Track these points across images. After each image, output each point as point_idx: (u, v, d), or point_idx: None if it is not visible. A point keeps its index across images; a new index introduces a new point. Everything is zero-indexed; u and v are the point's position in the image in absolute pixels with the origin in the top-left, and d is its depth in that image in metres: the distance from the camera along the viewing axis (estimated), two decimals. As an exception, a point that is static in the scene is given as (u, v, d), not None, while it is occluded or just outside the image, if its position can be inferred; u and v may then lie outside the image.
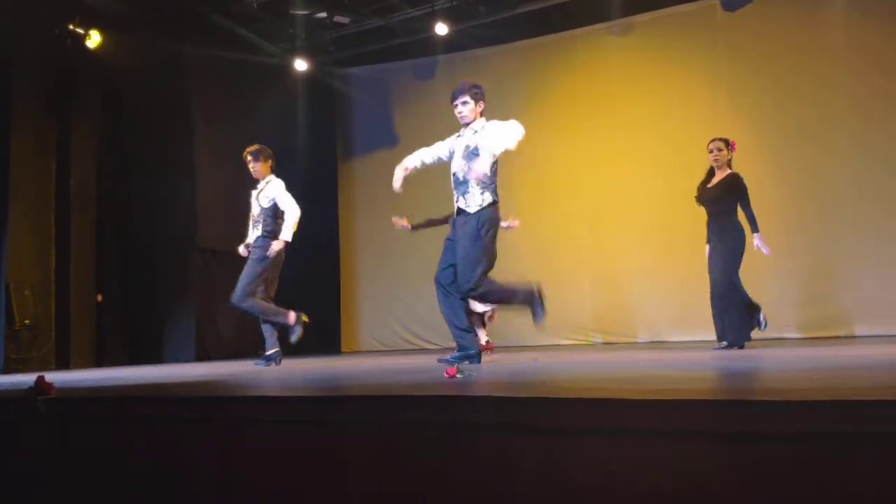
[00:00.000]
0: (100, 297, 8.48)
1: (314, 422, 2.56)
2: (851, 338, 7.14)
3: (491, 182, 4.71)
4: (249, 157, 6.17)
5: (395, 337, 9.78)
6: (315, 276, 10.23)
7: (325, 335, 10.04)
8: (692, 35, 8.46)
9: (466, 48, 9.55)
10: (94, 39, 8.03)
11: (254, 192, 6.24)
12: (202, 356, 8.38)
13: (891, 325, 7.05)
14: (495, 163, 4.72)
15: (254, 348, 9.16)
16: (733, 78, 8.14)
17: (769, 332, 7.49)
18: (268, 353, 6.11)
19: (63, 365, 7.81)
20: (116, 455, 2.94)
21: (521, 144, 4.65)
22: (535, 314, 4.68)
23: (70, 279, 8.07)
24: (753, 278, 7.69)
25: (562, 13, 8.81)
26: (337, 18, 9.10)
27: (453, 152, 4.85)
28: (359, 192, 10.28)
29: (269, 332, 6.14)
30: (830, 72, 7.72)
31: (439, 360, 4.78)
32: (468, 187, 4.68)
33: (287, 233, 6.05)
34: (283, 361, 6.18)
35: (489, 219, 4.68)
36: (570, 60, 9.07)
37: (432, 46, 9.32)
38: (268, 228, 6.09)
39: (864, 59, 7.57)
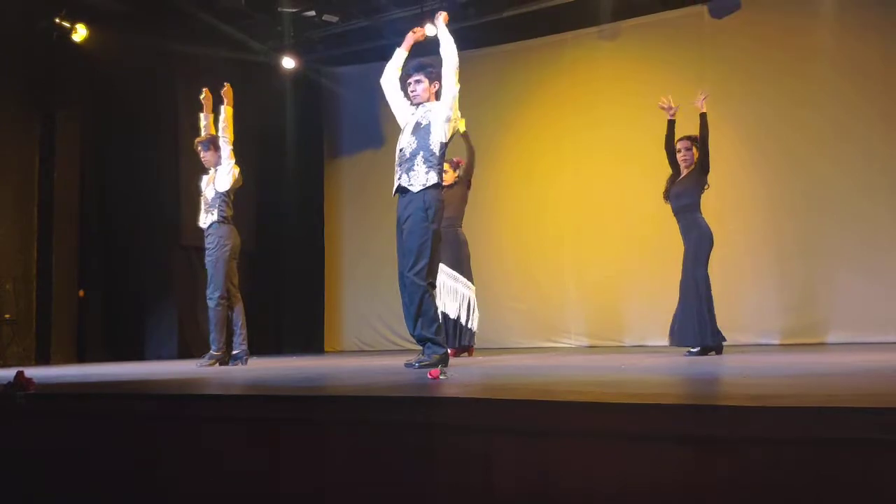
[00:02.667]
0: (82, 293, 8.43)
1: (294, 421, 2.56)
2: (830, 345, 7.20)
3: (438, 163, 4.54)
4: (200, 147, 6.06)
5: (378, 337, 9.77)
6: (299, 274, 10.21)
7: (308, 334, 10.03)
8: (679, 41, 8.50)
9: (455, 50, 9.54)
10: (80, 33, 7.98)
11: (204, 178, 6.11)
12: (184, 353, 8.34)
13: (871, 333, 7.11)
14: (445, 145, 4.60)
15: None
16: (720, 84, 8.16)
17: (751, 338, 7.58)
18: (234, 351, 6.06)
19: (43, 360, 7.76)
20: (96, 451, 2.92)
21: (459, 75, 4.66)
22: (426, 356, 4.42)
23: (52, 274, 8.02)
24: (736, 284, 7.78)
25: (550, 17, 8.82)
26: (325, 17, 9.08)
27: (405, 125, 4.70)
28: (345, 191, 10.26)
29: (237, 332, 6.07)
30: (816, 79, 7.77)
31: (406, 365, 4.53)
32: (413, 164, 4.51)
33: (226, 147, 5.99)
34: (252, 361, 6.20)
35: (436, 200, 4.50)
36: (558, 64, 9.09)
37: (420, 47, 9.30)
38: (223, 213, 5.96)
39: (850, 67, 7.63)
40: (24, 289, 7.76)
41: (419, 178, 4.51)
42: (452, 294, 6.52)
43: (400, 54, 4.89)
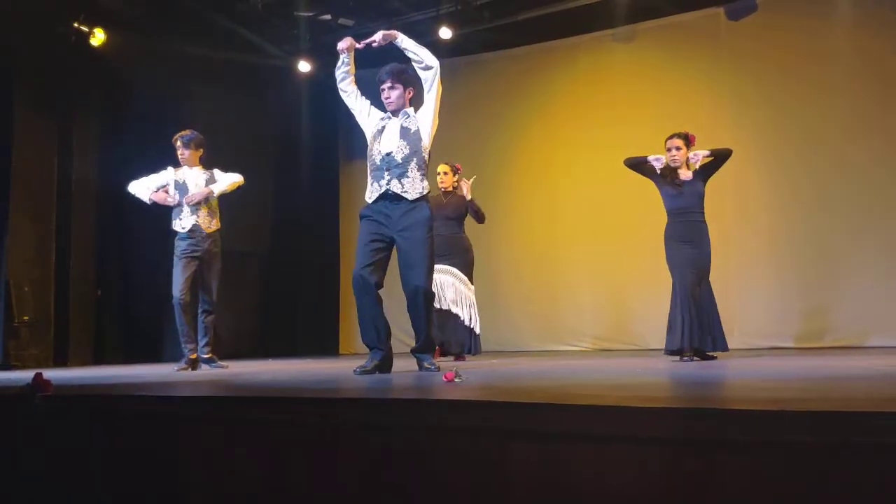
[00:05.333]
0: (98, 293, 8.48)
1: (311, 424, 2.56)
2: (847, 348, 7.13)
3: (426, 171, 4.52)
4: (180, 143, 5.97)
5: (392, 340, 9.74)
6: (315, 277, 10.23)
7: (323, 337, 10.05)
8: (696, 43, 8.46)
9: (470, 52, 9.57)
10: (98, 37, 8.05)
11: (188, 172, 6.03)
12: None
13: (889, 337, 7.03)
14: (429, 153, 4.57)
15: (252, 348, 9.17)
16: (736, 87, 8.14)
17: (766, 342, 7.53)
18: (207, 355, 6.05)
19: (61, 362, 7.81)
20: (113, 453, 2.94)
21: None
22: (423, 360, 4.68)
23: (70, 276, 8.07)
24: (751, 287, 7.73)
25: (565, 19, 8.81)
26: (341, 21, 9.11)
27: (380, 129, 4.55)
28: (360, 194, 10.10)
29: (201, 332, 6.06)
30: (833, 83, 7.71)
31: (356, 372, 4.55)
32: (407, 171, 4.41)
33: (221, 186, 6.01)
34: (269, 363, 6.28)
35: (430, 210, 4.52)
36: (573, 67, 9.08)
37: (436, 50, 9.27)
38: (219, 219, 6.04)
39: (868, 71, 7.57)
40: (41, 291, 7.82)
41: (415, 186, 4.43)
42: (463, 298, 6.48)
43: (344, 63, 4.68)
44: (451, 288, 6.44)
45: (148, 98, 8.70)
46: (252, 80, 9.42)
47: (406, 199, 4.43)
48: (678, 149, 5.47)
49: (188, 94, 8.87)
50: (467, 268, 6.59)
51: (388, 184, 4.44)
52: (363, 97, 4.71)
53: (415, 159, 4.45)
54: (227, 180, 6.04)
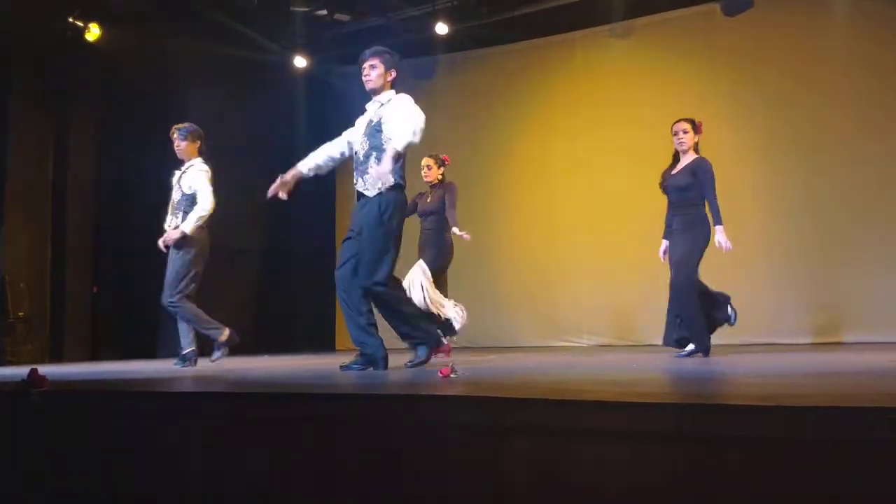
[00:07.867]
0: (95, 289, 8.46)
1: (306, 419, 2.55)
2: (847, 344, 7.14)
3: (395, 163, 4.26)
4: (176, 135, 5.85)
5: (390, 335, 9.72)
6: (311, 273, 10.22)
7: (320, 333, 10.04)
8: (692, 39, 8.46)
9: (467, 48, 9.55)
10: (93, 32, 8.02)
11: (176, 173, 5.88)
12: (198, 352, 8.35)
13: (889, 332, 7.04)
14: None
15: (249, 344, 9.13)
16: (732, 82, 8.14)
17: (762, 337, 7.53)
18: (184, 352, 5.80)
19: (57, 358, 7.80)
20: (109, 449, 2.93)
21: (423, 134, 4.21)
22: (419, 356, 4.50)
23: (65, 272, 8.06)
24: (751, 284, 7.72)
25: (561, 15, 8.81)
26: (337, 16, 9.09)
27: (357, 129, 4.50)
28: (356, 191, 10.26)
29: (185, 330, 5.83)
30: (828, 79, 7.72)
31: (341, 368, 4.44)
32: (367, 167, 4.26)
33: (189, 224, 5.59)
34: (266, 359, 6.14)
35: (393, 202, 4.25)
36: (570, 62, 9.07)
37: (432, 46, 9.31)
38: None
39: (862, 67, 7.58)
40: (37, 286, 7.81)
41: (373, 181, 4.27)
42: (422, 292, 6.09)
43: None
44: (417, 285, 6.15)
45: (144, 94, 8.67)
46: (248, 76, 9.39)
47: (366, 196, 4.32)
48: (685, 132, 5.40)
49: (184, 90, 8.84)
50: (440, 256, 6.28)
51: (355, 184, 4.41)
52: (348, 137, 4.63)
53: (374, 153, 4.30)
54: (193, 216, 5.66)
